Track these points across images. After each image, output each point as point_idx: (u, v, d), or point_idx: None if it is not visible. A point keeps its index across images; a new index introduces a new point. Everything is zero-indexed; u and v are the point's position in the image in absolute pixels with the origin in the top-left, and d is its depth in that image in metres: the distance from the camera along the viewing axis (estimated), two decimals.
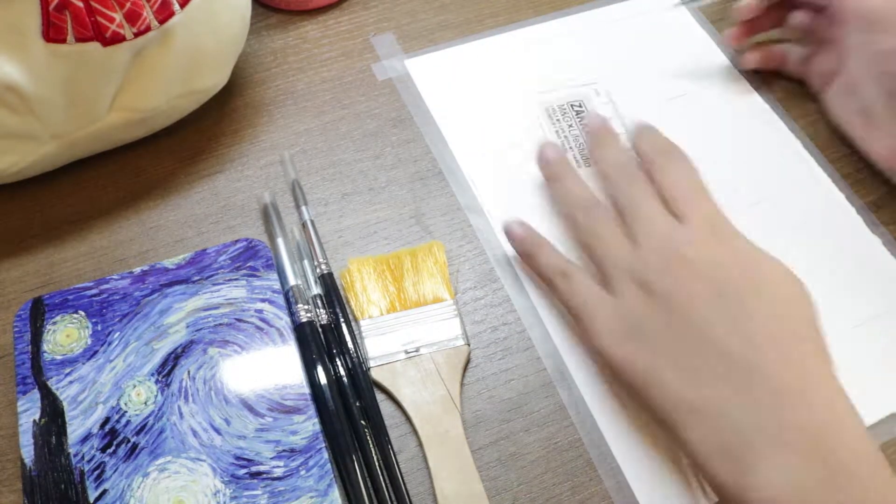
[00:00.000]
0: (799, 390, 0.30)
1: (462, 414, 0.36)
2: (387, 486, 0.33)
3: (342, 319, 0.38)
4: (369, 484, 0.33)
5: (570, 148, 0.45)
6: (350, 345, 0.37)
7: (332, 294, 0.38)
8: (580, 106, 0.47)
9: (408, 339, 0.37)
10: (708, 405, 0.31)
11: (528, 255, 0.39)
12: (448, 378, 0.36)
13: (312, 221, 0.41)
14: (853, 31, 0.41)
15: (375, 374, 0.36)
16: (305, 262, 0.40)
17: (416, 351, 0.37)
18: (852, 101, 0.44)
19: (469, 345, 0.38)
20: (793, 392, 0.30)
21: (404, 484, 0.34)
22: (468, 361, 0.38)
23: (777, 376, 0.30)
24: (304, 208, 0.41)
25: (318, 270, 0.39)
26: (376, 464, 0.34)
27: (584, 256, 0.39)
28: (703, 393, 0.31)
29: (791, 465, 0.29)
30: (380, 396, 0.36)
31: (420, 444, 0.35)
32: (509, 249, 0.41)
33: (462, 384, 0.37)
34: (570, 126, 0.46)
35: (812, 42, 0.47)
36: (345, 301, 0.39)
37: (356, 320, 0.38)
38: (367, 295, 0.38)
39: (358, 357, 0.37)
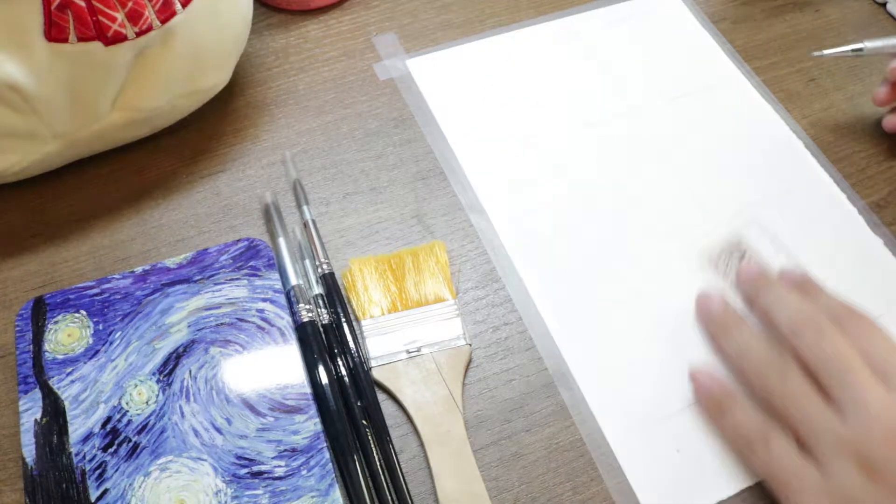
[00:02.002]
0: None
1: (463, 414, 0.36)
2: (388, 486, 0.33)
3: (343, 319, 0.38)
4: (370, 484, 0.33)
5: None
6: (351, 344, 0.37)
7: (333, 294, 0.38)
8: (741, 249, 0.42)
9: (409, 339, 0.37)
10: None
11: (717, 410, 0.36)
12: (449, 378, 0.36)
13: (314, 221, 0.41)
14: None
15: (377, 374, 0.36)
16: (307, 261, 0.40)
17: (418, 351, 0.37)
18: None
19: (470, 345, 0.38)
20: None
21: (406, 484, 0.34)
22: (470, 361, 0.38)
23: None
24: (305, 208, 0.41)
25: (319, 270, 0.39)
26: (378, 464, 0.34)
27: (773, 414, 0.35)
28: None
29: None
30: (381, 396, 0.36)
31: (421, 444, 0.35)
32: (511, 249, 0.41)
33: (463, 384, 0.37)
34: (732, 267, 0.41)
35: None
36: (346, 301, 0.39)
37: (357, 320, 0.38)
38: (368, 295, 0.38)
39: (359, 357, 0.37)
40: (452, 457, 0.34)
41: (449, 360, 0.37)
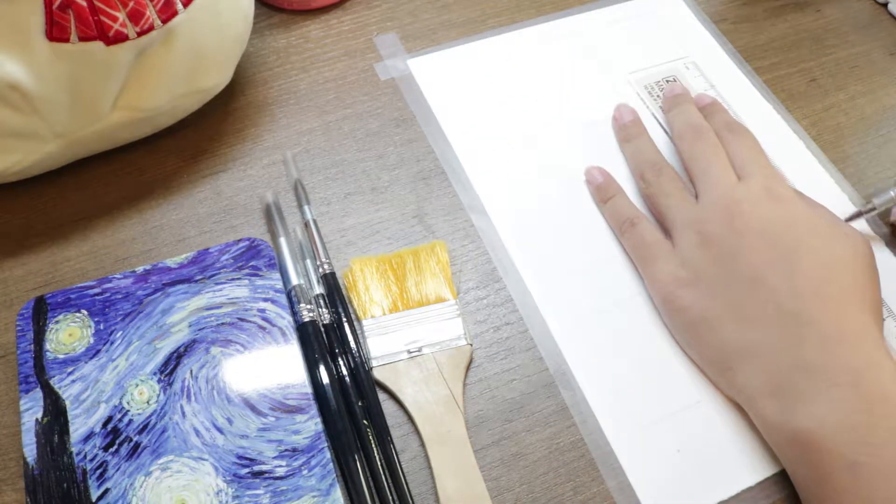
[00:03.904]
0: (839, 336, 0.33)
1: (464, 414, 0.36)
2: (389, 486, 0.33)
3: (344, 319, 0.38)
4: (371, 484, 0.33)
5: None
6: (352, 344, 0.37)
7: (334, 293, 0.38)
8: (674, 80, 0.48)
9: (410, 339, 0.37)
10: (758, 347, 0.34)
11: (603, 199, 0.42)
12: (450, 378, 0.36)
13: (315, 221, 0.41)
14: None
15: (378, 374, 0.36)
16: (308, 261, 0.40)
17: (419, 351, 0.37)
18: None
19: (471, 345, 0.38)
20: (833, 337, 0.33)
21: (406, 484, 0.34)
22: (471, 361, 0.38)
23: (819, 323, 0.33)
24: (306, 208, 0.41)
25: (320, 270, 0.39)
26: (378, 463, 0.34)
27: (650, 211, 0.42)
28: (753, 336, 0.34)
29: (833, 399, 0.31)
30: (382, 396, 0.36)
31: (422, 444, 0.35)
32: (512, 249, 0.41)
33: (464, 384, 0.37)
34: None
35: None
36: (347, 301, 0.39)
37: (359, 320, 0.38)
38: (369, 294, 0.38)
39: (360, 357, 0.37)
40: (453, 457, 0.34)
41: (450, 360, 0.37)
